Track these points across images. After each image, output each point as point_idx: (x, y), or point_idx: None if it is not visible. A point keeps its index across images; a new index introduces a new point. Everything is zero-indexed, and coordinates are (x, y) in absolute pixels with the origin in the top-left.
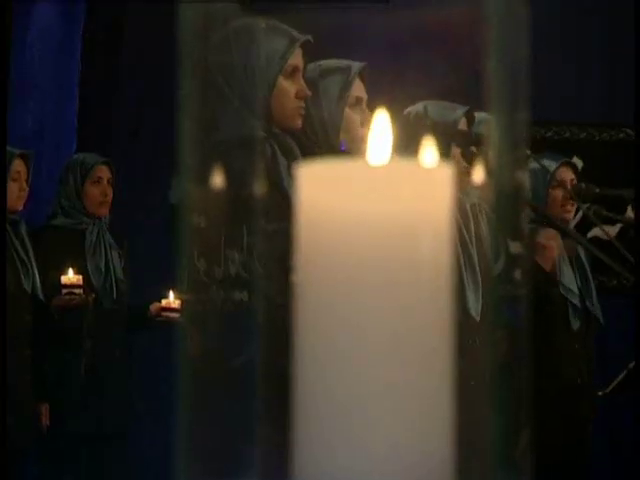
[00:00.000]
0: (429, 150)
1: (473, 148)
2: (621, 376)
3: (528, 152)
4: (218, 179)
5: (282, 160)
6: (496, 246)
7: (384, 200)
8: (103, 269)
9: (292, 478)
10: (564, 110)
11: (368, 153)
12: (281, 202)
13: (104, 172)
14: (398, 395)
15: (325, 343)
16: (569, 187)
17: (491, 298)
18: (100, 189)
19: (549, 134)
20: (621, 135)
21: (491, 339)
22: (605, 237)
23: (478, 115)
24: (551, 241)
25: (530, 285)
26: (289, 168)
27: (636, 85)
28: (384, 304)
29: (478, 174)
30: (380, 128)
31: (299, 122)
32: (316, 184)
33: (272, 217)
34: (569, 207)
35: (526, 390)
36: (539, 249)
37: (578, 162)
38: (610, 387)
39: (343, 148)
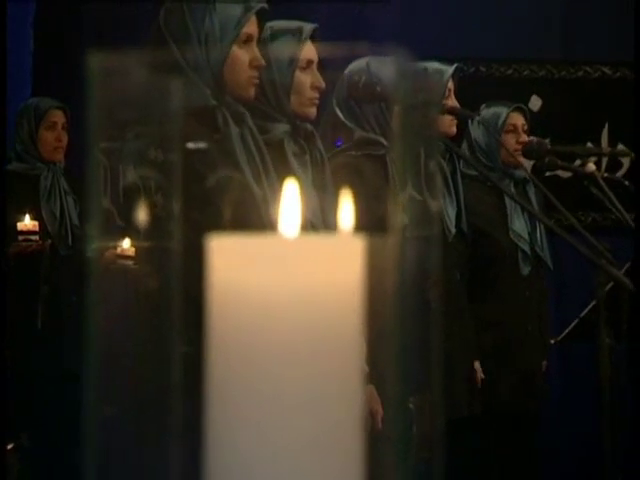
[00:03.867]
0: (347, 215)
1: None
2: (573, 324)
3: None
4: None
5: (234, 129)
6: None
7: (295, 274)
8: (58, 215)
9: None
10: (524, 48)
11: (279, 226)
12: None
13: (58, 117)
14: (306, 462)
15: (237, 417)
16: (520, 132)
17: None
18: (54, 134)
19: (509, 72)
20: (580, 73)
21: (401, 283)
22: (563, 176)
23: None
24: None
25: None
26: (242, 137)
27: (635, 25)
28: (295, 376)
29: None
30: (289, 199)
31: (252, 92)
32: (227, 259)
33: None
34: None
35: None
36: None
37: (537, 101)
38: (562, 335)
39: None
